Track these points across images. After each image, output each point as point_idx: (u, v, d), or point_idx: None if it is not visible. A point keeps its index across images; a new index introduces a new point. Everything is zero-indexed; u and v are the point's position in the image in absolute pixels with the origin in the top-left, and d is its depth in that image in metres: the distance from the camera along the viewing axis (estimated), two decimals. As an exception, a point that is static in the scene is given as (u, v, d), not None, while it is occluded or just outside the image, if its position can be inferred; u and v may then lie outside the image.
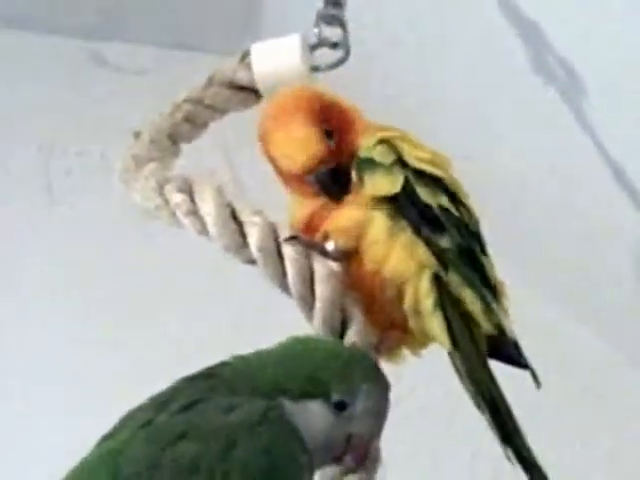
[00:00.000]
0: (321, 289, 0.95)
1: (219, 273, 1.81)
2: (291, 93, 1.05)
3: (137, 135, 1.11)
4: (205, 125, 1.17)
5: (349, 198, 1.00)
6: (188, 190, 1.01)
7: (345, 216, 1.00)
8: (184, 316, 1.86)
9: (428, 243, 0.98)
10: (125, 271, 1.88)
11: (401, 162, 1.01)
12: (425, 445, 1.80)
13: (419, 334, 1.00)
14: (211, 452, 0.79)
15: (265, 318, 1.67)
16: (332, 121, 1.01)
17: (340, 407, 0.86)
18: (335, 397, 0.86)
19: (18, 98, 1.96)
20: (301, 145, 1.00)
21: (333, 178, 1.01)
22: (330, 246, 0.99)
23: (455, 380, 1.00)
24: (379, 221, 0.99)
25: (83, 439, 0.85)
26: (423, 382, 1.79)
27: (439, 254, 0.98)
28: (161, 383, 0.88)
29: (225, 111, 1.18)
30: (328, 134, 1.01)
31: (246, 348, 0.91)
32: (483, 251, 1.03)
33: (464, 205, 1.03)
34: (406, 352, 1.03)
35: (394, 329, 1.01)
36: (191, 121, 1.15)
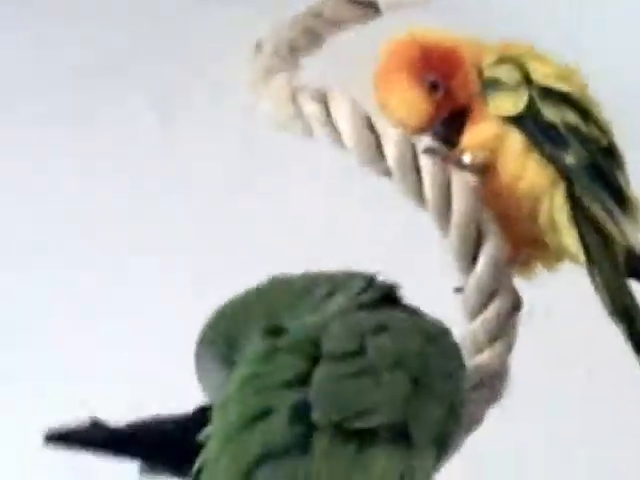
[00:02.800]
0: (459, 202, 0.94)
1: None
2: (392, 47, 1.04)
3: (259, 46, 1.10)
4: (323, 39, 1.16)
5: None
6: (323, 100, 1.00)
7: (481, 131, 1.01)
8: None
9: (552, 160, 0.99)
10: (231, 191, 1.87)
11: (527, 80, 1.02)
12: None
13: (555, 249, 1.01)
14: (412, 349, 0.79)
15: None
16: (437, 69, 1.01)
17: None
18: None
19: (124, 37, 1.98)
20: (407, 111, 1.01)
21: (449, 128, 1.02)
22: (467, 159, 0.99)
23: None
24: (515, 136, 1.00)
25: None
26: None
27: (564, 171, 0.99)
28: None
29: (343, 25, 1.17)
30: (434, 86, 1.01)
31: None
32: (619, 165, 1.02)
33: (596, 120, 1.03)
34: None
35: (528, 246, 1.02)
36: (310, 33, 1.14)
